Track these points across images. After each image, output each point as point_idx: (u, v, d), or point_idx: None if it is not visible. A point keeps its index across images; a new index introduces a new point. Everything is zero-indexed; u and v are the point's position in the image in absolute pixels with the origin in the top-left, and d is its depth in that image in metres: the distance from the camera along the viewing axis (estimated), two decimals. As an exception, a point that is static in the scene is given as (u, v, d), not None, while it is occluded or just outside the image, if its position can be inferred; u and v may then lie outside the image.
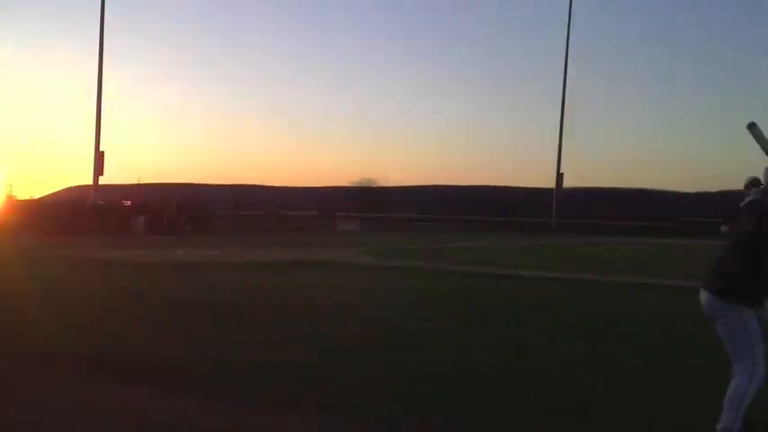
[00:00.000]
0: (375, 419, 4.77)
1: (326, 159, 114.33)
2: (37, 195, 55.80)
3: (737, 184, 7.63)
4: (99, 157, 41.07)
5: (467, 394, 5.48)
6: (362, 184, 77.07)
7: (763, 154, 4.34)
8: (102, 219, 35.49)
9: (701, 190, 70.50)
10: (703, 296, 4.45)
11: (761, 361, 4.32)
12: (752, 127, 4.38)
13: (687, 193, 72.19)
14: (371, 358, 6.74)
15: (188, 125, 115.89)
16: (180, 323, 8.69)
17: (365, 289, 13.05)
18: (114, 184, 62.02)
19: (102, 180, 42.67)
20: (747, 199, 4.87)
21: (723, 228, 8.34)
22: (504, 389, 5.65)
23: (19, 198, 41.79)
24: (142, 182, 79.53)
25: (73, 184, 75.10)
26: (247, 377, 5.95)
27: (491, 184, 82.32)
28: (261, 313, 9.78)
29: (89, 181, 42.91)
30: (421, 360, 6.65)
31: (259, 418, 4.83)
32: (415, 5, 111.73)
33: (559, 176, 59.31)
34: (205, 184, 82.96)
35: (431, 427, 4.67)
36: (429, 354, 6.99)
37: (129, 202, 42.88)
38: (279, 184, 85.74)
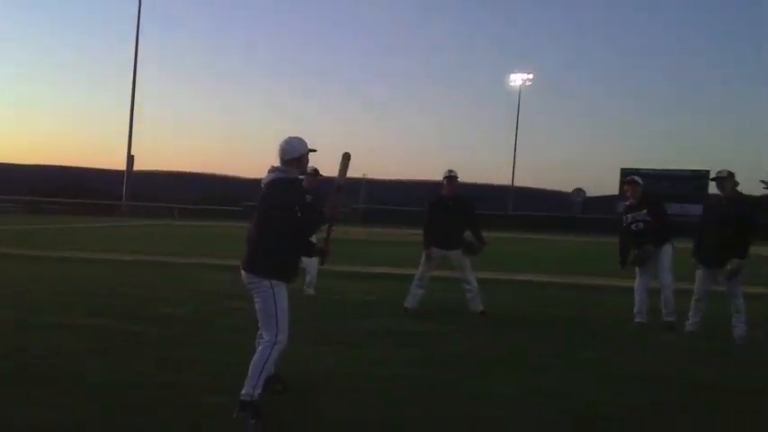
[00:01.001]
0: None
1: None
2: None
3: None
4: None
5: None
6: None
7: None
8: None
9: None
10: (243, 273, 4.91)
11: (285, 330, 4.87)
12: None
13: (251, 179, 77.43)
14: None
15: None
16: None
17: None
18: None
19: None
20: (271, 177, 5.05)
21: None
22: None
23: None
24: None
25: None
26: None
27: (60, 164, 78.63)
28: None
29: None
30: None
31: None
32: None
33: (130, 159, 59.55)
34: None
35: None
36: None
37: None
38: None
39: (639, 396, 5.70)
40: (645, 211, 9.15)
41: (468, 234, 9.36)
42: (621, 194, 50.18)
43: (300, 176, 5.17)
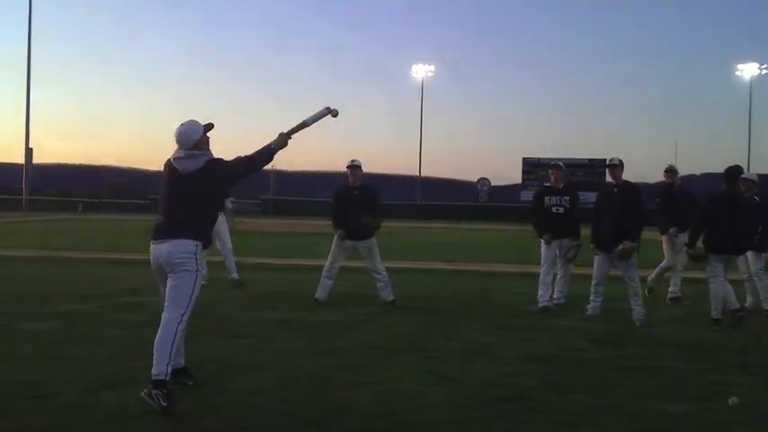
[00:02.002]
0: None
1: None
2: None
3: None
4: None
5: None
6: None
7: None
8: None
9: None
10: (165, 249, 4.98)
11: (190, 311, 4.99)
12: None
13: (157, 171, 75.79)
14: None
15: None
16: None
17: None
18: None
19: None
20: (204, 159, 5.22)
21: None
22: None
23: None
24: None
25: None
26: None
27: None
28: None
29: None
30: None
31: None
32: None
33: (29, 151, 57.26)
34: None
35: None
36: None
37: None
38: None
39: (536, 376, 5.91)
40: (568, 198, 9.50)
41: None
42: (524, 183, 51.22)
43: None
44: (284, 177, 74.29)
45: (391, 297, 9.39)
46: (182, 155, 5.08)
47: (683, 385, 5.78)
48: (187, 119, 5.19)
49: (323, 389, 5.41)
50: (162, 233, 5.06)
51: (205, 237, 5.28)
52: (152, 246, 5.12)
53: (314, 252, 16.05)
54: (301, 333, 7.56)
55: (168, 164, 5.19)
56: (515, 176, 61.28)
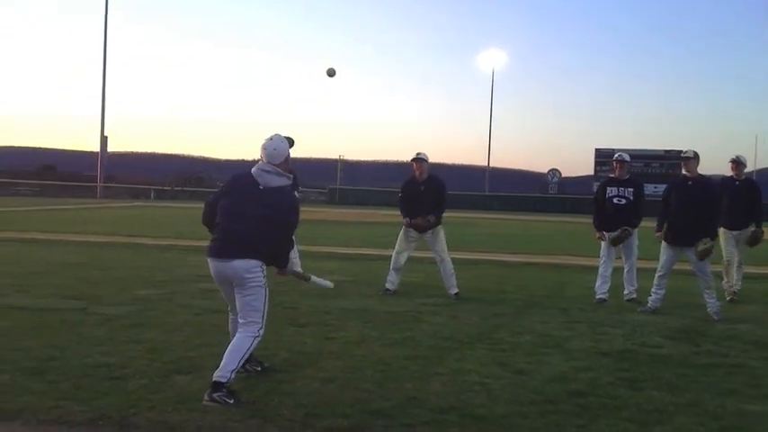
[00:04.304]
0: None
1: None
2: None
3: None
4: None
5: None
6: None
7: None
8: None
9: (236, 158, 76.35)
10: (233, 264, 4.90)
11: (265, 323, 5.00)
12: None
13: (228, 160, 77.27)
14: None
15: None
16: None
17: None
18: None
19: None
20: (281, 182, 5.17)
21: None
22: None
23: None
24: None
25: None
26: None
27: (31, 145, 77.92)
28: None
29: None
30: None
31: None
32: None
33: (103, 139, 58.95)
34: None
35: None
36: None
37: None
38: None
39: (610, 372, 5.78)
40: (631, 190, 9.32)
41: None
42: (597, 174, 50.44)
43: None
44: (351, 166, 74.85)
45: (455, 289, 9.31)
46: (268, 169, 4.99)
47: (763, 385, 5.57)
48: (274, 133, 5.13)
49: (392, 379, 5.39)
50: (228, 250, 4.94)
51: (274, 258, 5.12)
52: (213, 263, 5.03)
53: (381, 242, 16.10)
54: (370, 323, 7.56)
55: (245, 175, 5.08)
56: (587, 167, 60.27)
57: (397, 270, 9.53)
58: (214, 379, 4.71)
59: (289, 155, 5.10)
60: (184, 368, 5.45)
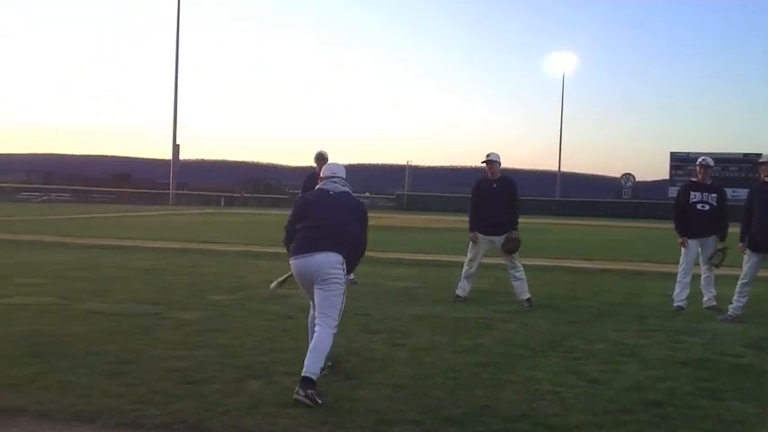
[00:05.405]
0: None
1: None
2: None
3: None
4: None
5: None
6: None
7: None
8: None
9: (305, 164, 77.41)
10: (319, 260, 5.19)
11: (341, 319, 5.30)
12: None
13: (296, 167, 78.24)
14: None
15: None
16: None
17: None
18: None
19: None
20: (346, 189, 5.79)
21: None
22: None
23: None
24: None
25: None
26: None
27: (107, 154, 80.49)
28: None
29: None
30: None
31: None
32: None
33: (175, 147, 60.39)
34: None
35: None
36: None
37: None
38: None
39: (689, 381, 5.60)
40: (715, 195, 9.05)
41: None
42: (672, 178, 49.20)
43: None
44: (418, 172, 74.79)
45: (527, 295, 9.17)
46: (336, 181, 5.59)
47: None
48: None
49: (463, 386, 5.34)
50: (313, 246, 5.25)
51: (352, 257, 5.48)
52: (299, 260, 5.29)
53: (450, 248, 16.02)
54: (441, 329, 7.50)
55: (314, 191, 5.75)
56: (661, 171, 58.85)
57: (468, 278, 9.44)
58: (305, 375, 4.86)
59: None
60: (257, 373, 5.50)
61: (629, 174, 61.05)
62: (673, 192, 49.02)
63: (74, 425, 4.37)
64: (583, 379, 5.60)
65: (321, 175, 5.79)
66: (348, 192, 5.62)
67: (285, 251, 5.57)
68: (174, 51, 58.50)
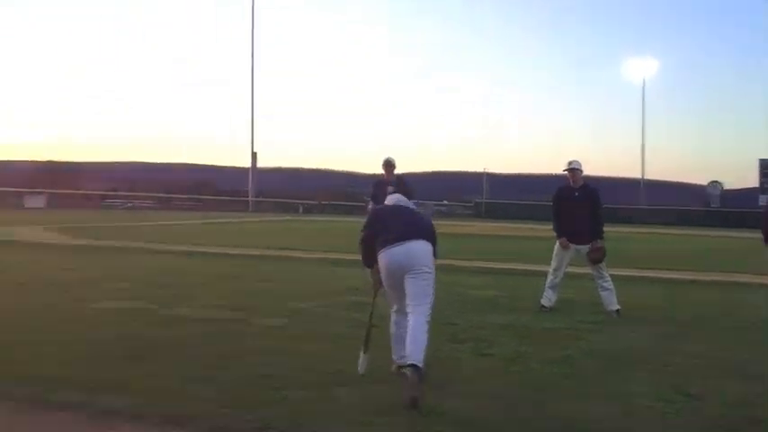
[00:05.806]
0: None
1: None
2: None
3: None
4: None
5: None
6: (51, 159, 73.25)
7: None
8: None
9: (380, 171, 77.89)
10: (417, 255, 5.39)
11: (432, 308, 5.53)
12: None
13: (372, 174, 78.81)
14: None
15: None
16: None
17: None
18: None
19: None
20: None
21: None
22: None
23: None
24: None
25: None
26: None
27: (187, 162, 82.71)
28: None
29: None
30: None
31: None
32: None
33: (254, 156, 61.49)
34: None
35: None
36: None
37: None
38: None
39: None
40: None
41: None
42: (762, 186, 47.43)
43: None
44: (496, 179, 74.14)
45: (616, 306, 8.90)
46: (399, 197, 5.88)
47: None
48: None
49: (551, 398, 5.18)
50: (408, 234, 5.42)
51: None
52: (394, 248, 5.38)
53: (531, 256, 15.73)
54: (527, 339, 7.33)
55: (381, 206, 6.08)
56: (750, 179, 56.79)
57: (553, 288, 9.23)
58: (412, 362, 4.98)
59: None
60: (342, 380, 5.46)
61: (717, 181, 59.09)
62: (763, 200, 47.25)
63: (167, 428, 4.41)
64: (680, 393, 5.36)
65: (386, 202, 5.93)
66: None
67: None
68: (250, 64, 59.63)
